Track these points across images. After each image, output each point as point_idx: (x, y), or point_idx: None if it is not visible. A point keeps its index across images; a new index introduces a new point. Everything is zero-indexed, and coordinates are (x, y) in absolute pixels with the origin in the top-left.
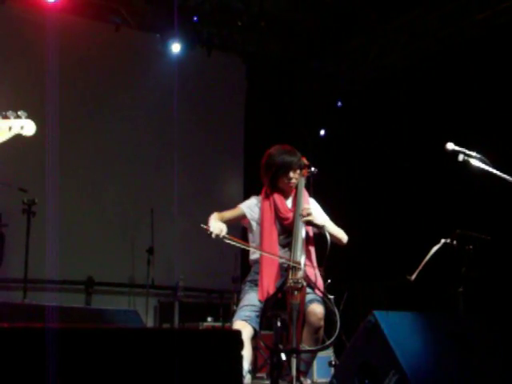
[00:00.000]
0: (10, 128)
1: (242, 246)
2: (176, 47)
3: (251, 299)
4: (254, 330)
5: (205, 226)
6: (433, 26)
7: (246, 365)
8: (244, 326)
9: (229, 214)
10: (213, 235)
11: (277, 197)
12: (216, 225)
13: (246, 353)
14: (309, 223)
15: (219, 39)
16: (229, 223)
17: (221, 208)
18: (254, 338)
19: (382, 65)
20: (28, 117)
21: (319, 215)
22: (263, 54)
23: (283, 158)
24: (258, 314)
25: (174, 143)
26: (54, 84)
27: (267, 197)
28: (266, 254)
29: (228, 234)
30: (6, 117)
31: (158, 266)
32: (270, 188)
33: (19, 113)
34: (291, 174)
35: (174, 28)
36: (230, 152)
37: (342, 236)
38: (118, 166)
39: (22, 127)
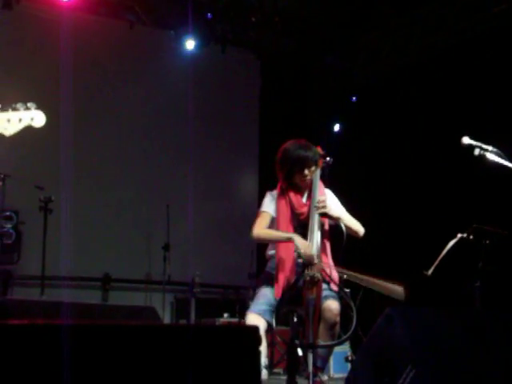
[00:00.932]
0: (20, 120)
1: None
2: (190, 44)
3: (266, 294)
4: (268, 324)
5: (298, 251)
6: (448, 19)
7: (263, 359)
8: (258, 319)
9: (267, 222)
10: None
11: (292, 193)
12: (308, 247)
13: (262, 346)
14: (324, 215)
15: (233, 35)
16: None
17: (236, 203)
18: (268, 332)
19: (396, 59)
20: (38, 108)
21: (335, 207)
22: (277, 50)
23: (298, 153)
24: (272, 309)
25: (188, 139)
26: (69, 82)
27: (283, 193)
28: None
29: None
30: (15, 109)
31: (174, 262)
32: (285, 183)
33: (28, 104)
34: (306, 172)
35: (188, 25)
36: (245, 148)
37: (359, 228)
38: (134, 162)
39: (32, 118)
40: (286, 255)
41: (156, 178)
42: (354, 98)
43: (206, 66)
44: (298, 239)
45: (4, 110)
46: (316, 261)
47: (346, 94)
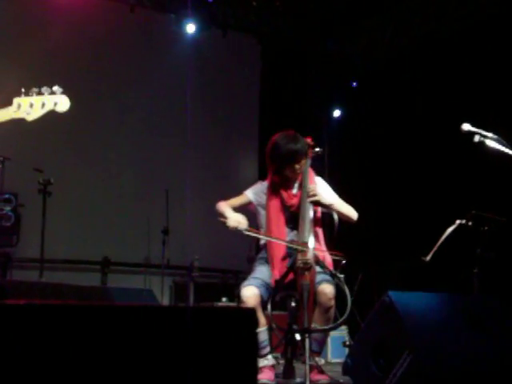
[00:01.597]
0: (43, 105)
1: (261, 237)
2: (191, 28)
3: (263, 271)
4: (262, 297)
5: (222, 219)
6: (450, 5)
7: (265, 335)
8: (253, 292)
9: (236, 201)
10: (230, 228)
11: (282, 185)
12: (234, 217)
13: (261, 320)
14: (316, 203)
15: (234, 20)
16: (237, 210)
17: (236, 188)
18: (264, 308)
19: (397, 45)
20: (63, 92)
21: (327, 194)
22: (278, 35)
23: (287, 147)
24: (267, 287)
25: (188, 124)
26: (68, 64)
27: (273, 186)
28: (282, 242)
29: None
30: (39, 93)
31: (173, 246)
32: (275, 176)
33: (54, 88)
34: (296, 166)
35: (189, 8)
36: (245, 133)
37: (352, 214)
38: (133, 146)
39: (55, 103)
40: (278, 245)
41: (156, 162)
42: (354, 84)
43: (207, 50)
44: (228, 212)
45: (28, 94)
46: (309, 247)
47: (347, 79)
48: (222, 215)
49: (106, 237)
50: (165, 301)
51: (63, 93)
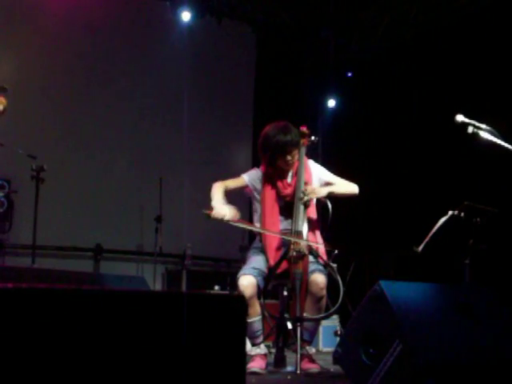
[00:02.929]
0: None
1: (248, 228)
2: (186, 15)
3: (259, 260)
4: (258, 286)
5: (206, 212)
6: None
7: (260, 325)
8: (250, 280)
9: (232, 183)
10: (212, 218)
11: (276, 176)
12: (220, 211)
13: (257, 310)
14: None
15: (229, 8)
16: (232, 192)
17: (229, 177)
18: (259, 298)
19: (393, 35)
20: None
21: (323, 175)
22: (273, 23)
23: (278, 139)
24: (264, 277)
25: (182, 112)
26: (62, 51)
27: (267, 176)
28: (270, 232)
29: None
30: None
31: (165, 234)
32: (269, 168)
33: None
34: (288, 157)
35: None
36: (240, 121)
37: (352, 189)
38: (127, 134)
39: None
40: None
41: (149, 150)
42: (349, 74)
43: (202, 39)
44: (214, 202)
45: None
46: (303, 236)
47: (342, 69)
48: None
49: (99, 224)
50: (157, 288)
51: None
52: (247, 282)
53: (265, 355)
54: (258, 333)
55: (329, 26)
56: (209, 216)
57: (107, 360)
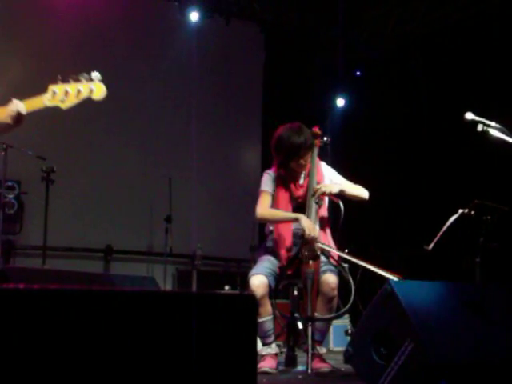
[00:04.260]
0: (78, 92)
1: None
2: (194, 16)
3: (271, 260)
4: (270, 286)
5: (308, 235)
6: None
7: (271, 324)
8: (262, 280)
9: (268, 202)
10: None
11: (289, 177)
12: (311, 226)
13: (269, 310)
14: (328, 194)
15: (237, 8)
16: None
17: (238, 177)
18: (271, 297)
19: (401, 33)
20: (102, 80)
21: (334, 179)
22: (282, 23)
23: (292, 141)
24: (275, 275)
25: (192, 112)
26: (70, 52)
27: (280, 178)
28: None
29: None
30: (77, 80)
31: (176, 234)
32: (281, 169)
33: (93, 75)
34: (301, 161)
35: None
36: (248, 121)
37: (363, 193)
38: (137, 134)
39: (91, 91)
40: (285, 231)
41: (159, 150)
42: (358, 72)
43: (210, 39)
44: (304, 220)
45: (65, 81)
46: (317, 240)
47: (351, 68)
48: (292, 221)
49: (109, 225)
50: (167, 289)
51: (101, 80)
52: (259, 281)
53: (276, 355)
54: (269, 332)
55: (337, 26)
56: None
57: (119, 360)
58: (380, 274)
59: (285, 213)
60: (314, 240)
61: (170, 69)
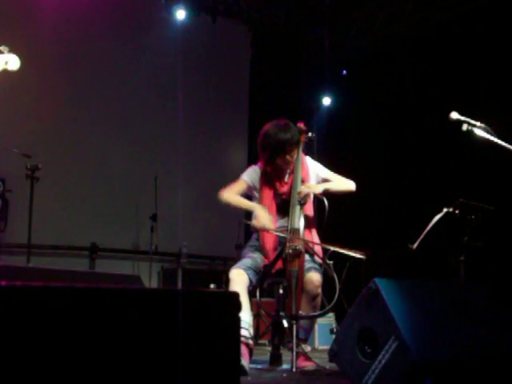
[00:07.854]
0: None
1: (281, 235)
2: (181, 14)
3: (254, 257)
4: (250, 281)
5: (251, 222)
6: None
7: (247, 316)
8: (241, 274)
9: (238, 188)
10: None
11: (274, 174)
12: (267, 218)
13: (244, 303)
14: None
15: (224, 6)
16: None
17: (225, 175)
18: (250, 292)
19: (388, 33)
20: (11, 51)
21: (320, 172)
22: (268, 21)
23: (278, 137)
24: (257, 271)
25: (178, 111)
26: (57, 49)
27: (266, 175)
28: (277, 233)
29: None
30: None
31: (161, 232)
32: (267, 165)
33: (1, 48)
34: (288, 157)
35: None
36: (235, 120)
37: (349, 186)
38: (123, 132)
39: (6, 62)
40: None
41: (145, 148)
42: (344, 71)
43: (197, 37)
44: (257, 210)
45: None
46: (300, 234)
47: (337, 67)
48: (244, 209)
49: (94, 223)
50: (153, 287)
51: (10, 51)
52: (236, 273)
53: (249, 349)
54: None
55: (323, 25)
56: (254, 225)
57: (102, 357)
58: (348, 255)
59: (248, 202)
60: (262, 228)
61: (157, 67)
